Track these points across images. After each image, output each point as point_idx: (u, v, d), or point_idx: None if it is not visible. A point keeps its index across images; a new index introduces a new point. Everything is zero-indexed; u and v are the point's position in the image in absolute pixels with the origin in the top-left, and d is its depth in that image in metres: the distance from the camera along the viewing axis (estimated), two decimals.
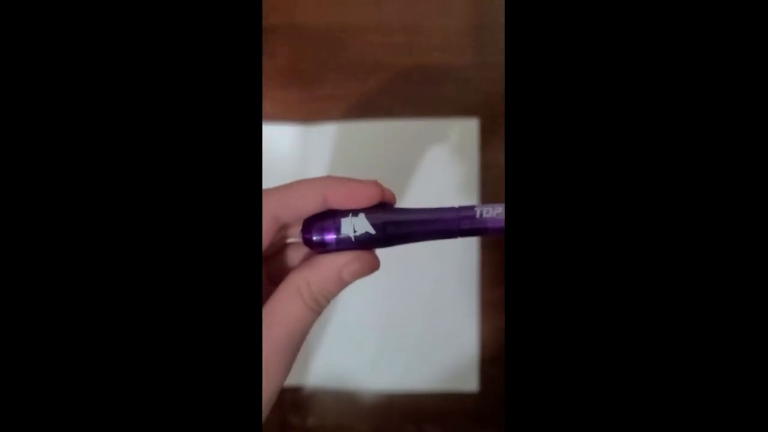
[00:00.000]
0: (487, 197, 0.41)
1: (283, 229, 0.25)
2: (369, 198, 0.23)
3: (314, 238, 0.23)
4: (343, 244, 0.23)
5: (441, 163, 0.43)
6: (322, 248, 0.23)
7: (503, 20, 0.41)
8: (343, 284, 0.23)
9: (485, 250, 0.43)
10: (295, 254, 0.27)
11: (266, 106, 0.46)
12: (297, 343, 0.23)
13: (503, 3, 0.41)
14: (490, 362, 0.44)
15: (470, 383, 0.43)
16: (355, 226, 0.23)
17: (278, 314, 0.22)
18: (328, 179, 0.23)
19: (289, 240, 0.27)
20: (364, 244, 0.23)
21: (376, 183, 0.23)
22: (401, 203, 0.23)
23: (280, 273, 0.25)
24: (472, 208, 0.23)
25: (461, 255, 0.43)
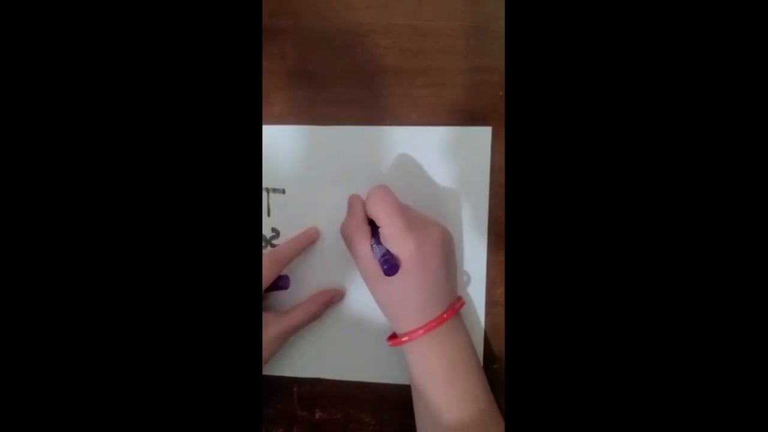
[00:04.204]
0: (496, 199, 0.42)
1: None
2: None
3: None
4: None
5: (452, 169, 0.44)
6: None
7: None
8: None
9: (492, 249, 0.44)
10: None
11: (274, 106, 0.46)
12: None
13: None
14: (493, 357, 0.46)
15: None
16: None
17: None
18: None
19: None
20: None
21: None
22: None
23: None
24: None
25: (470, 255, 0.44)
